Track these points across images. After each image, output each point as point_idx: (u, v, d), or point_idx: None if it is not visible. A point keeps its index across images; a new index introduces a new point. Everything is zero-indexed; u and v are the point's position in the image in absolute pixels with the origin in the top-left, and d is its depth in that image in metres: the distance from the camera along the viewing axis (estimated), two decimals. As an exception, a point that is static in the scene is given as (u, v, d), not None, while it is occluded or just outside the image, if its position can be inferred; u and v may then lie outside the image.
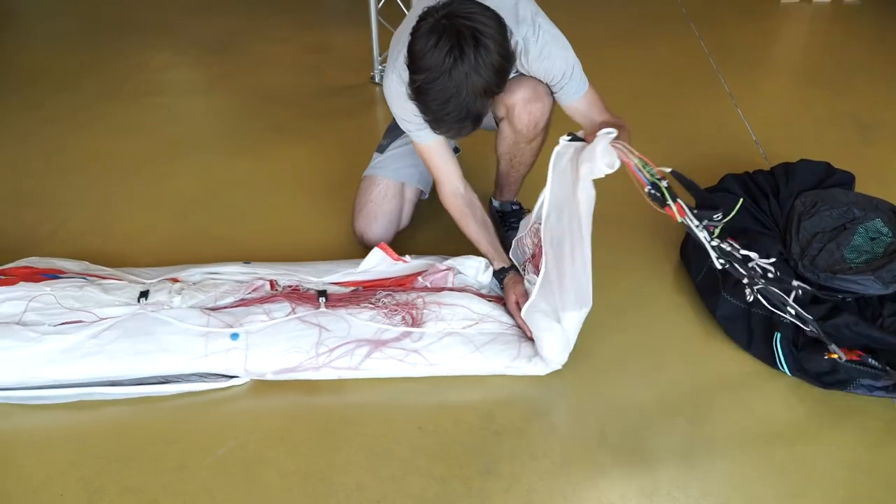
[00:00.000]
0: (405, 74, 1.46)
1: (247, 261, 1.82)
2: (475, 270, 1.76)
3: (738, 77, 2.97)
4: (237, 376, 1.55)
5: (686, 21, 3.51)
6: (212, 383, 1.54)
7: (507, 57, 1.40)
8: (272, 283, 1.71)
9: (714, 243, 1.32)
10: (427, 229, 2.04)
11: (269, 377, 1.55)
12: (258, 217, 2.14)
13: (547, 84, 1.65)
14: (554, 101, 1.69)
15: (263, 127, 2.64)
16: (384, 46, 2.89)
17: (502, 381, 1.57)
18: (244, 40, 3.36)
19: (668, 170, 1.33)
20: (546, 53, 1.57)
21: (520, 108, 1.67)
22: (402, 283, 1.75)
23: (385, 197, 1.90)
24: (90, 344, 1.52)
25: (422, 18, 1.38)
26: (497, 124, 1.84)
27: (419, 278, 1.75)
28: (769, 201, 1.94)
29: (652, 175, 1.30)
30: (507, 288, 1.69)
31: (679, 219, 1.31)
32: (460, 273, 1.77)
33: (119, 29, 3.49)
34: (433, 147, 1.69)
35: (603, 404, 1.53)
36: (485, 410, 1.50)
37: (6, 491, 1.35)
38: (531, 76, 1.64)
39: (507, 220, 2.02)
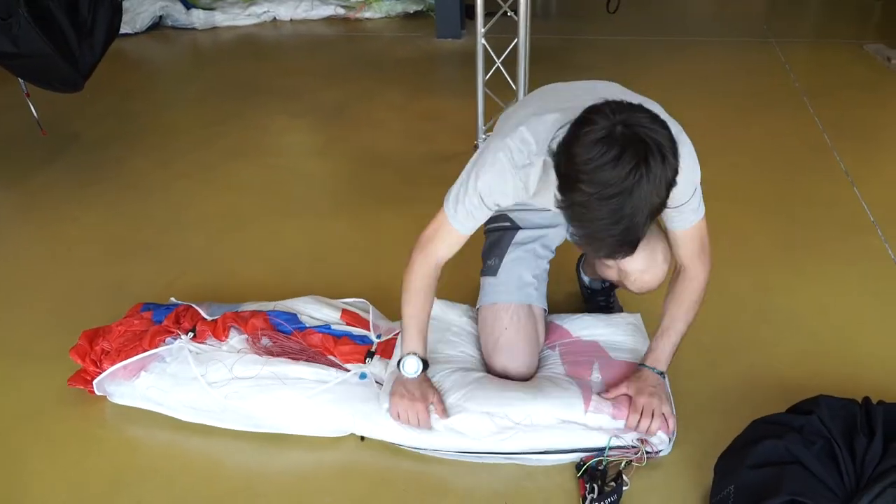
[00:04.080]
0: (519, 158, 1.39)
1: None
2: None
3: (854, 155, 2.85)
4: None
5: (800, 96, 3.43)
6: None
7: (675, 169, 1.20)
8: None
9: None
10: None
11: None
12: (358, 281, 2.19)
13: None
14: (671, 261, 1.61)
15: (371, 191, 2.76)
16: (489, 115, 2.99)
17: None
18: (359, 106, 3.55)
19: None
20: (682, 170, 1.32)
21: (636, 276, 1.63)
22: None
23: (520, 321, 1.69)
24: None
25: (588, 121, 1.18)
26: None
27: None
28: (870, 444, 1.33)
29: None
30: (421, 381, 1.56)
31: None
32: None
33: (247, 93, 3.78)
34: (461, 238, 1.53)
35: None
36: (574, 492, 1.48)
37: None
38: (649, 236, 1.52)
39: (595, 297, 1.97)
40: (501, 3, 2.93)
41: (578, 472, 1.48)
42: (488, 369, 1.71)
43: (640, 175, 1.14)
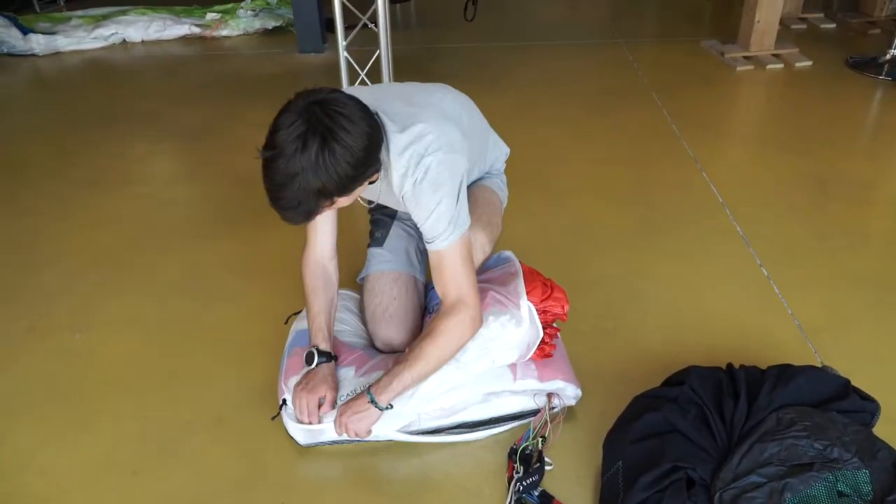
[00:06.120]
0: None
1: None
2: None
3: (700, 142, 3.09)
4: None
5: (648, 91, 3.67)
6: None
7: (357, 167, 1.31)
8: None
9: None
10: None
11: None
12: (241, 302, 2.15)
13: None
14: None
15: (244, 210, 2.68)
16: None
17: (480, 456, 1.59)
18: (223, 127, 3.44)
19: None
20: (420, 198, 1.43)
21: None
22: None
23: (408, 292, 1.73)
24: None
25: (299, 95, 1.33)
26: None
27: None
28: (736, 406, 1.46)
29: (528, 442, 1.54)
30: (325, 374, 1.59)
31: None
32: None
33: (100, 121, 3.56)
34: (312, 226, 1.61)
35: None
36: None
37: None
38: None
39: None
40: (360, 16, 2.95)
41: (509, 455, 1.55)
42: (371, 338, 1.76)
43: (297, 148, 1.25)
